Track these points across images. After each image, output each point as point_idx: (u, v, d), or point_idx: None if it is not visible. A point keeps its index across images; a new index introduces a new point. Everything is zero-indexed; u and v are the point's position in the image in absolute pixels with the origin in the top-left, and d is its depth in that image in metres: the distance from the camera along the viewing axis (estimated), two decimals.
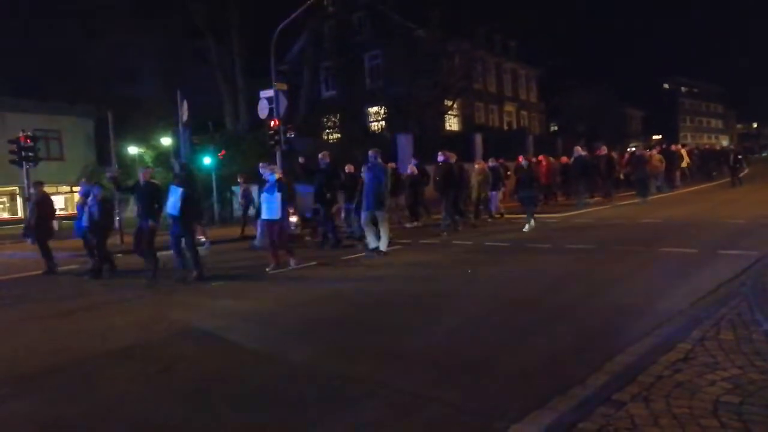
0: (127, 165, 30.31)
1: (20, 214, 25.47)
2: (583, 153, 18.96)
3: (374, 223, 10.23)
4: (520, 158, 14.61)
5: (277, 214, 9.09)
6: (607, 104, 49.40)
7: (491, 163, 16.09)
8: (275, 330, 5.84)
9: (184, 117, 17.97)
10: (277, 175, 9.39)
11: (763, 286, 5.80)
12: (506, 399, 3.68)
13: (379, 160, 10.41)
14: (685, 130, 78.87)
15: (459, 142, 26.80)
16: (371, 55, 34.42)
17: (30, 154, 16.08)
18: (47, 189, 11.45)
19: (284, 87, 18.17)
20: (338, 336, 5.50)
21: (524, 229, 12.35)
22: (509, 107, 43.72)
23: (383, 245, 10.09)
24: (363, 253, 10.34)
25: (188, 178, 11.30)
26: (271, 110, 17.37)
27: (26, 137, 16.08)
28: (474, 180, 14.41)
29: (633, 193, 19.09)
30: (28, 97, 27.46)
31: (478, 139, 27.04)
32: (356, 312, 6.42)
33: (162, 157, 24.73)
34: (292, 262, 9.40)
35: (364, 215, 10.30)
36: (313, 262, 9.85)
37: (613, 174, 19.83)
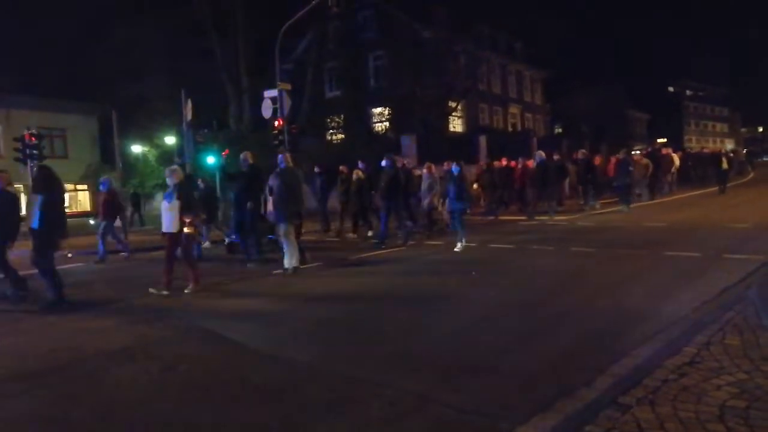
0: (131, 164, 30.43)
1: (23, 212, 25.48)
2: (557, 156, 18.04)
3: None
4: (446, 163, 12.73)
5: (173, 227, 7.52)
6: (612, 107, 49.38)
7: (446, 166, 14.05)
8: (277, 330, 5.82)
9: (189, 116, 18.01)
10: (176, 179, 7.71)
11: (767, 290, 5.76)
12: (511, 401, 3.66)
13: (290, 164, 9.11)
14: (690, 133, 78.66)
15: (463, 144, 26.79)
16: (376, 55, 34.40)
17: (34, 151, 16.13)
18: None
19: (288, 87, 18.18)
20: (341, 337, 5.49)
21: (456, 249, 10.51)
22: (514, 109, 43.67)
23: (288, 262, 8.84)
24: (364, 253, 10.13)
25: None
26: (275, 110, 17.39)
27: (31, 135, 16.14)
28: (423, 185, 12.93)
29: (617, 200, 17.62)
30: (33, 94, 27.55)
31: (483, 140, 27.01)
32: (359, 313, 6.41)
33: (166, 156, 24.76)
34: (190, 285, 7.77)
35: (281, 227, 8.95)
36: (316, 263, 9.84)
37: (594, 180, 18.17)
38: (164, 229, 7.67)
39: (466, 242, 10.64)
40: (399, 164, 12.46)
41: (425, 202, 12.88)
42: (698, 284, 6.65)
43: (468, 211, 11.32)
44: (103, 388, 4.31)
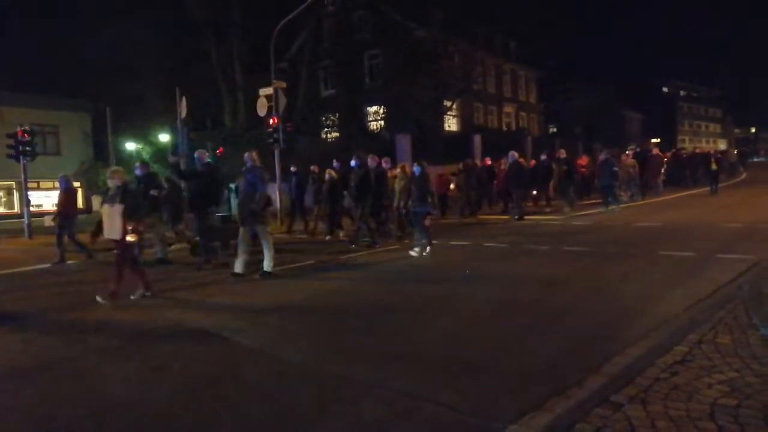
0: (125, 161, 30.30)
1: (17, 209, 25.36)
2: (545, 156, 17.59)
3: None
4: (405, 165, 12.42)
5: (117, 233, 6.96)
6: (606, 107, 49.59)
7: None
8: (271, 329, 5.82)
9: (183, 114, 17.96)
10: (118, 181, 7.16)
11: (759, 290, 5.81)
12: (504, 400, 3.67)
13: (257, 164, 8.67)
14: (683, 134, 79.14)
15: (458, 143, 26.83)
16: (371, 53, 34.40)
17: (27, 148, 16.05)
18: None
19: (283, 85, 18.16)
20: (335, 336, 5.49)
21: (412, 253, 10.05)
22: (508, 108, 43.78)
23: (267, 265, 8.46)
24: (355, 253, 9.85)
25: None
26: (270, 108, 17.36)
27: (24, 132, 16.05)
28: (397, 186, 12.24)
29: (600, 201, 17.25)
30: (26, 91, 27.39)
31: (477, 139, 27.05)
32: (353, 312, 6.41)
33: (159, 154, 24.67)
34: (138, 291, 7.34)
35: (240, 230, 8.64)
36: (311, 261, 9.83)
37: (571, 180, 17.68)
38: (107, 235, 7.17)
39: (429, 248, 10.10)
40: (374, 164, 11.85)
41: (399, 204, 12.22)
42: (690, 284, 6.69)
43: (432, 214, 10.75)
44: (96, 387, 4.30)
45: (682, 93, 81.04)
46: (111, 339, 5.60)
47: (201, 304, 7.08)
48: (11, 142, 15.99)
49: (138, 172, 10.66)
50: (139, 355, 5.02)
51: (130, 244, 7.05)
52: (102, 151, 29.75)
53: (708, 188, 21.19)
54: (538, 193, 18.64)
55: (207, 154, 9.96)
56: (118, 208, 6.92)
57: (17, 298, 7.93)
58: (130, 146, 31.03)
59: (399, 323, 5.77)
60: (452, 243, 11.54)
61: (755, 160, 69.47)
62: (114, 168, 7.46)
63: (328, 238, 13.10)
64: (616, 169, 16.73)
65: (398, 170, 12.39)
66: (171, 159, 9.83)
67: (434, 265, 9.36)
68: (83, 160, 30.30)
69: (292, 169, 15.42)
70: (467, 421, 3.43)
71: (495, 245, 10.96)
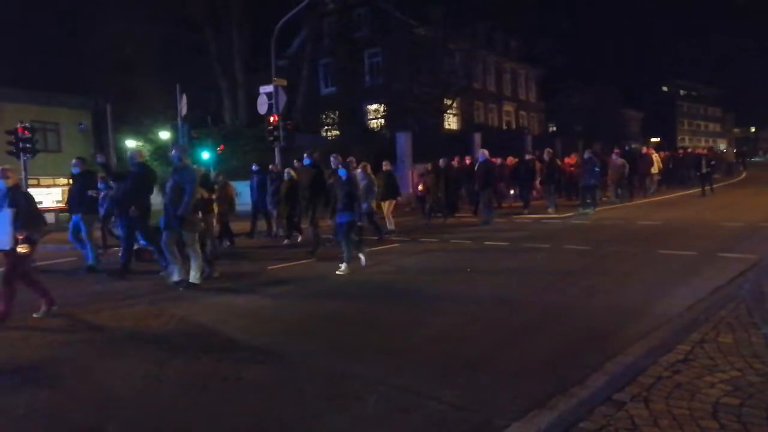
0: (125, 158, 30.26)
1: None
2: (529, 156, 16.91)
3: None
4: (366, 165, 11.54)
5: (6, 243, 6.01)
6: (606, 105, 49.54)
7: (385, 167, 13.15)
8: (273, 326, 5.83)
9: (183, 111, 17.96)
10: (10, 182, 6.26)
11: (760, 289, 5.82)
12: (506, 398, 3.68)
13: (188, 162, 8.00)
14: (683, 133, 79.12)
15: (458, 141, 26.81)
16: (371, 52, 34.36)
17: (27, 145, 16.03)
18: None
19: (284, 83, 18.14)
20: (337, 333, 5.50)
21: (338, 272, 8.41)
22: (508, 107, 43.74)
23: (194, 276, 7.70)
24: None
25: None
26: (270, 106, 17.35)
27: (24, 128, 16.02)
28: (360, 188, 11.07)
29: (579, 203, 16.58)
30: (26, 88, 27.33)
31: (477, 138, 27.02)
32: (355, 310, 6.42)
33: (160, 151, 24.64)
34: (42, 309, 6.40)
35: (164, 234, 7.80)
36: (311, 259, 9.83)
37: (552, 179, 16.82)
38: None
39: (362, 260, 8.99)
40: (336, 163, 10.83)
41: (363, 206, 10.81)
42: (692, 283, 6.70)
43: (360, 223, 9.45)
44: (98, 383, 4.30)
45: (682, 92, 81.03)
46: (112, 338, 5.61)
47: (200, 301, 7.09)
48: (11, 138, 15.97)
49: (75, 170, 9.86)
50: (140, 354, 5.03)
51: (23, 255, 6.05)
52: (103, 149, 29.70)
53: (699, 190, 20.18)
54: (520, 192, 17.83)
55: (142, 153, 9.39)
56: (8, 213, 5.94)
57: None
58: (131, 143, 30.99)
59: (403, 320, 5.76)
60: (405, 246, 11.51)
61: (754, 159, 69.42)
62: (4, 166, 6.30)
63: (286, 242, 12.12)
64: (597, 169, 16.00)
65: (359, 170, 11.33)
66: (99, 159, 9.06)
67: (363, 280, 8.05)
68: (84, 158, 30.24)
69: (253, 168, 14.03)
70: (470, 418, 3.43)
71: (496, 243, 10.95)
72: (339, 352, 4.84)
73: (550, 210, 16.14)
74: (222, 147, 20.49)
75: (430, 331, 5.36)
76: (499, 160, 18.94)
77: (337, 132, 31.82)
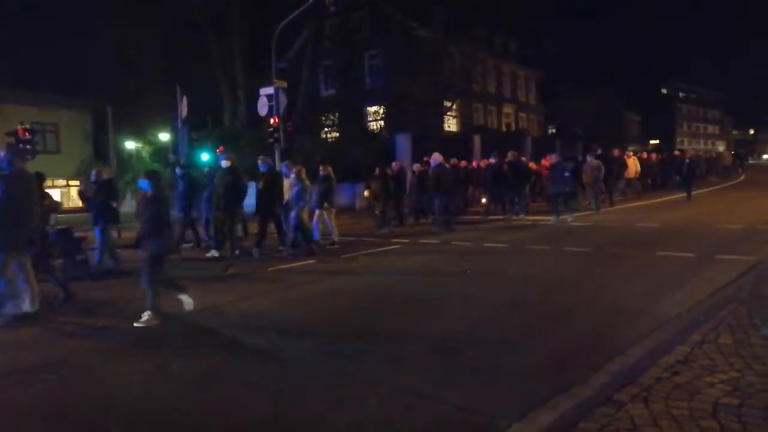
0: (125, 160, 30.29)
1: None
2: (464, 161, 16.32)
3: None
4: (301, 169, 10.64)
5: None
6: (606, 107, 49.66)
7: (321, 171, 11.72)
8: (274, 327, 5.83)
9: (184, 112, 17.94)
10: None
11: (760, 290, 5.84)
12: (507, 398, 3.70)
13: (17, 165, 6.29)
14: (682, 135, 79.26)
15: (457, 143, 26.84)
16: (371, 53, 34.41)
17: (28, 146, 16.01)
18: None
19: (284, 84, 18.14)
20: (338, 334, 5.50)
21: (137, 324, 5.86)
22: (508, 109, 43.80)
23: (28, 305, 6.15)
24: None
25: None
26: (270, 108, 17.36)
27: (25, 130, 16.01)
28: (291, 193, 10.55)
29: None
30: (26, 89, 27.35)
31: (477, 140, 27.07)
32: (356, 311, 6.43)
33: (160, 153, 24.65)
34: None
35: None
36: (312, 260, 9.84)
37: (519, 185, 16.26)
38: None
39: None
40: (294, 169, 10.42)
41: (291, 215, 10.45)
42: (691, 284, 6.72)
43: (169, 256, 6.73)
44: (101, 383, 4.32)
45: (681, 94, 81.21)
46: (114, 339, 5.62)
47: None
48: (12, 140, 15.96)
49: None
50: (142, 354, 5.04)
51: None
52: (102, 150, 29.71)
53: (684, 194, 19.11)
54: (488, 197, 17.34)
55: (104, 171, 9.26)
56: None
57: None
58: (130, 145, 31.00)
59: (404, 321, 5.77)
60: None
61: (750, 161, 69.33)
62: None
63: (256, 250, 10.57)
64: (567, 174, 14.44)
65: (292, 174, 10.57)
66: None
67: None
68: (83, 159, 30.26)
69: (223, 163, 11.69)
70: (471, 419, 3.45)
71: (495, 245, 10.95)
72: (340, 353, 4.86)
73: (517, 216, 15.61)
74: (222, 148, 20.50)
75: (431, 332, 5.38)
76: (475, 164, 19.16)
77: (337, 133, 31.84)
